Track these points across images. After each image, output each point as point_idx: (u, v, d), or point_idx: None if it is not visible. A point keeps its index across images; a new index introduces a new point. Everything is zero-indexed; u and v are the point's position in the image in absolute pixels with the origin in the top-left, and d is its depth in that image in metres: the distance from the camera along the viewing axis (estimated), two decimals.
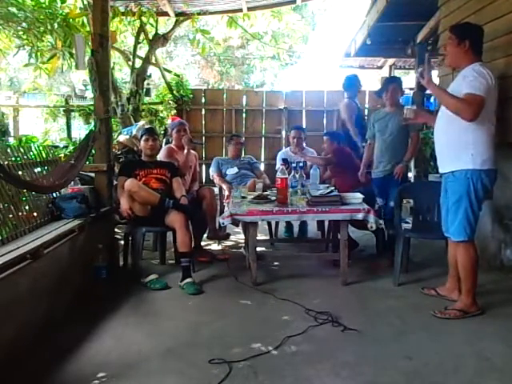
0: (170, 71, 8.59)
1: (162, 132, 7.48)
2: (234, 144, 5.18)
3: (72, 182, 3.82)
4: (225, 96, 8.22)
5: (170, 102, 7.85)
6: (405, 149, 4.10)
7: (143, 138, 4.06)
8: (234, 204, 3.74)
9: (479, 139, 2.81)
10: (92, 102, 4.29)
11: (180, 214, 3.66)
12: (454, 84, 2.92)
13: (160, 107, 7.96)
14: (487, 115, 2.80)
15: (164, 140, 6.37)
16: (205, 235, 4.42)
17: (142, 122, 6.82)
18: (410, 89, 7.91)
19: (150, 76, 8.21)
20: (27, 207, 3.17)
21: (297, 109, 8.15)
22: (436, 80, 3.27)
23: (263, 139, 8.17)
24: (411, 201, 4.47)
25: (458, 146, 2.85)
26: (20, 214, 3.02)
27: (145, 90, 7.73)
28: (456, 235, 2.95)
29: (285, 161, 4.64)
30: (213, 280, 3.71)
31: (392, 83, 4.21)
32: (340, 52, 8.71)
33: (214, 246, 4.69)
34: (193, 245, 3.77)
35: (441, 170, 3.07)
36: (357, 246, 4.39)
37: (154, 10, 6.93)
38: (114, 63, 7.96)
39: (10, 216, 2.90)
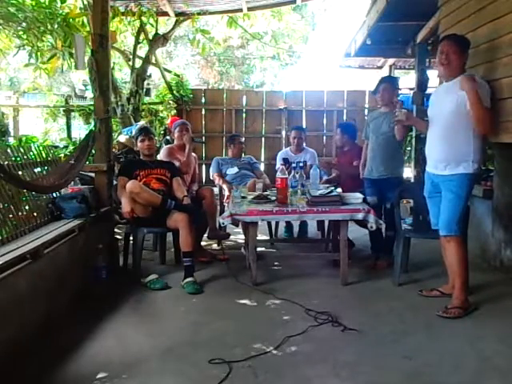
0: (169, 71, 8.60)
1: (162, 132, 7.49)
2: (236, 144, 5.19)
3: (72, 182, 3.82)
4: (225, 96, 8.23)
5: (170, 101, 7.86)
6: (399, 150, 4.01)
7: (139, 138, 4.06)
8: (234, 204, 3.74)
9: (478, 149, 3.00)
10: (92, 102, 4.29)
11: (184, 214, 3.66)
12: (453, 92, 2.97)
13: (160, 107, 7.96)
14: None
15: (164, 140, 6.37)
16: (205, 235, 4.43)
17: (142, 122, 6.83)
18: (410, 89, 7.90)
19: (150, 76, 8.22)
20: (27, 207, 3.17)
21: (297, 109, 8.16)
22: (436, 80, 3.30)
23: (263, 139, 8.18)
24: (411, 201, 4.47)
25: (459, 155, 2.98)
26: (20, 213, 3.03)
27: (145, 90, 7.74)
28: (447, 230, 3.03)
29: (285, 161, 4.64)
30: (213, 280, 3.71)
31: (382, 83, 4.10)
32: (340, 52, 8.69)
33: (214, 246, 4.69)
34: None
35: (435, 171, 3.13)
36: (352, 246, 4.36)
37: (154, 9, 6.94)
38: (114, 63, 7.96)
39: (10, 216, 2.90)
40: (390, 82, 4.15)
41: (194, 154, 4.67)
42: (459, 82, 2.93)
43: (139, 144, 4.07)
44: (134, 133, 5.49)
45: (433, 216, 3.26)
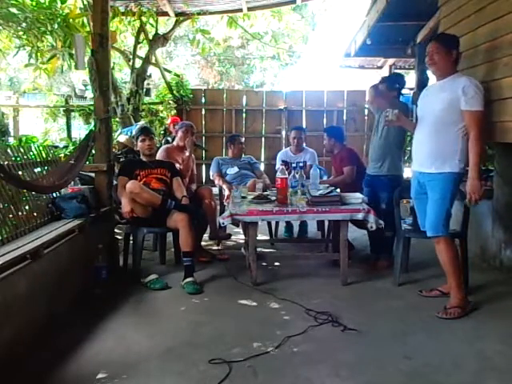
0: (169, 71, 8.60)
1: (162, 132, 7.49)
2: (236, 144, 5.19)
3: (72, 182, 3.82)
4: (225, 96, 8.23)
5: (170, 102, 7.86)
6: (399, 149, 3.98)
7: (139, 138, 4.05)
8: (234, 204, 3.74)
9: (464, 148, 2.96)
10: (92, 102, 4.29)
11: (184, 214, 3.66)
12: (446, 91, 2.97)
13: (160, 107, 7.97)
14: None
15: (164, 140, 6.36)
16: (205, 235, 4.43)
17: (142, 122, 6.83)
18: (410, 89, 7.90)
19: (150, 76, 8.22)
20: (27, 207, 3.17)
21: (297, 109, 8.16)
22: (433, 79, 3.30)
23: (263, 139, 8.18)
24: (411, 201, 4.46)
25: (447, 153, 2.98)
26: (20, 213, 3.03)
27: (145, 90, 7.74)
28: (434, 231, 3.03)
29: (284, 162, 4.64)
30: (213, 280, 3.71)
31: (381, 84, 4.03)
32: (340, 52, 8.70)
33: (214, 246, 4.69)
34: None
35: (421, 169, 3.12)
36: (352, 248, 4.33)
37: (154, 9, 6.94)
38: (113, 63, 7.97)
39: (10, 216, 2.90)
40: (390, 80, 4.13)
41: (192, 156, 4.66)
42: (452, 81, 2.94)
43: (139, 144, 4.07)
44: (134, 133, 5.50)
45: (420, 217, 3.25)
